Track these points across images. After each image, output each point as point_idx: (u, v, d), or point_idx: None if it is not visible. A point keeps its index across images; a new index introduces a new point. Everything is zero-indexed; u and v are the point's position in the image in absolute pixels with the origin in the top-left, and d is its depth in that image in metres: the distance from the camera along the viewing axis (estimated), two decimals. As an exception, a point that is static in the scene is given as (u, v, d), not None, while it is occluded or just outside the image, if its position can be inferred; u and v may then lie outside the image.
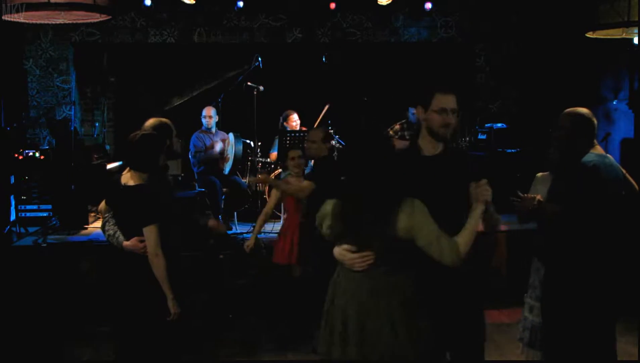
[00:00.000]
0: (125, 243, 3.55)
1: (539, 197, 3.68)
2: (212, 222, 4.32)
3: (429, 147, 3.10)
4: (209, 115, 7.40)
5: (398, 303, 2.75)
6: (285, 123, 7.61)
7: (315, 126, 7.66)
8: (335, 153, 7.83)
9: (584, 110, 3.64)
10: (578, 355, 3.58)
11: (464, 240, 2.76)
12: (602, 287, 3.55)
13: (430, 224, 2.72)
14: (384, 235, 2.71)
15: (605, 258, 3.54)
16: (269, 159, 7.66)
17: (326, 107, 7.83)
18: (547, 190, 3.79)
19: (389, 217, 2.70)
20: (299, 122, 7.64)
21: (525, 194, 3.74)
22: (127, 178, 3.56)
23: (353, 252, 2.77)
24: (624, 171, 3.69)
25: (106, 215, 3.74)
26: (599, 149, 3.63)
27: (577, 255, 3.54)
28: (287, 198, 5.22)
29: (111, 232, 3.64)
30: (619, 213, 3.58)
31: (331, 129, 7.75)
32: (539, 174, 4.16)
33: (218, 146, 7.30)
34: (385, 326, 2.73)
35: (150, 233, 3.47)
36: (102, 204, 3.82)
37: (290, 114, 7.62)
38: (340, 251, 2.82)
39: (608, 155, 3.67)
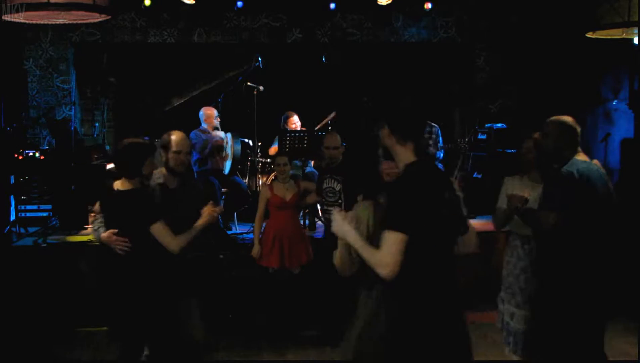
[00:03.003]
0: (102, 234, 3.59)
1: (527, 195, 3.73)
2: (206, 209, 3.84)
3: None
4: (214, 115, 7.34)
5: None
6: (285, 125, 7.61)
7: (317, 128, 7.65)
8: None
9: (568, 118, 3.74)
10: (568, 357, 3.61)
11: None
12: (592, 294, 3.59)
13: None
14: None
15: (596, 263, 3.58)
16: (269, 160, 7.64)
17: (332, 115, 7.81)
18: (521, 193, 3.82)
19: None
20: (298, 123, 7.64)
21: (513, 193, 3.80)
22: (119, 184, 3.61)
23: None
24: (606, 177, 3.73)
25: (98, 216, 3.79)
26: (582, 156, 3.71)
27: (570, 261, 3.58)
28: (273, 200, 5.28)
29: (95, 227, 3.72)
30: (607, 219, 3.66)
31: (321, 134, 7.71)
32: (507, 178, 4.20)
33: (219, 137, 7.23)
34: None
35: (158, 230, 3.52)
36: (97, 206, 3.85)
37: (290, 116, 7.64)
38: None
39: (593, 161, 3.73)
